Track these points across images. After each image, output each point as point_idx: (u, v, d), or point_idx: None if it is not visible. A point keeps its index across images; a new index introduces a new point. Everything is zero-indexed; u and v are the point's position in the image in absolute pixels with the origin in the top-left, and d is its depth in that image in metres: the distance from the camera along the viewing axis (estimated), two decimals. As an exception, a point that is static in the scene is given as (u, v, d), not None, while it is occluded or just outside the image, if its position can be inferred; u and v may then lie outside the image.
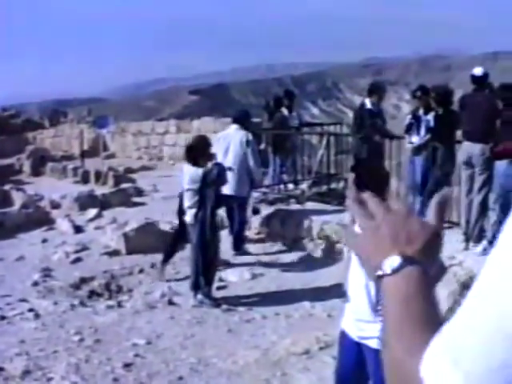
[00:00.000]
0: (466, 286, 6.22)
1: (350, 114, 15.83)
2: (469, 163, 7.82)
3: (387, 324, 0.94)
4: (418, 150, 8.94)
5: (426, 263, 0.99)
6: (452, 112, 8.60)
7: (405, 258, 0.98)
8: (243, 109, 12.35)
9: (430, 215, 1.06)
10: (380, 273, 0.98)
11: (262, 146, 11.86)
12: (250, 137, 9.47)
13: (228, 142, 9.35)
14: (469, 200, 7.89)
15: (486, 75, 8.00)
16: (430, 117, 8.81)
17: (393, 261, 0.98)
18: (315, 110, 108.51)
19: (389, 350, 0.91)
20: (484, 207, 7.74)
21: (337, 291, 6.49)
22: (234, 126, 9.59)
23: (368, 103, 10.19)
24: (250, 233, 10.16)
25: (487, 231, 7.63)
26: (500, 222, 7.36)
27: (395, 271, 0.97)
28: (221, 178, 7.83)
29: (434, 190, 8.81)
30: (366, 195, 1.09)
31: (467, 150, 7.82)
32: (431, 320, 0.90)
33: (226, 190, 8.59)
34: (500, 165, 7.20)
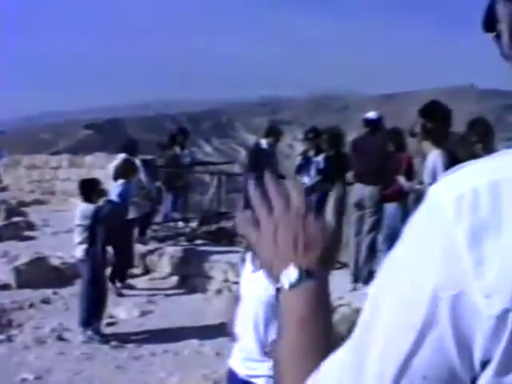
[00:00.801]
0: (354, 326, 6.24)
1: (243, 153, 15.96)
2: (359, 205, 7.93)
3: (282, 350, 0.95)
4: (308, 190, 9.04)
5: (324, 273, 1.00)
6: (343, 154, 8.76)
7: (303, 272, 0.98)
8: (130, 138, 12.49)
9: (328, 214, 1.08)
10: (279, 285, 0.99)
11: (158, 183, 11.76)
12: (139, 162, 9.80)
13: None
14: (358, 241, 8.01)
15: (379, 119, 8.18)
16: (321, 158, 8.94)
17: (290, 274, 0.98)
18: (208, 148, 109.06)
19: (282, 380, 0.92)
20: (373, 248, 7.88)
21: (226, 329, 6.45)
22: (122, 155, 9.83)
23: (264, 143, 10.36)
24: (138, 269, 10.18)
25: (376, 272, 7.72)
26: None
27: (292, 286, 0.97)
28: (112, 215, 7.90)
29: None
30: (268, 178, 1.09)
31: (358, 191, 7.95)
32: (324, 347, 0.92)
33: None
34: (389, 207, 7.34)
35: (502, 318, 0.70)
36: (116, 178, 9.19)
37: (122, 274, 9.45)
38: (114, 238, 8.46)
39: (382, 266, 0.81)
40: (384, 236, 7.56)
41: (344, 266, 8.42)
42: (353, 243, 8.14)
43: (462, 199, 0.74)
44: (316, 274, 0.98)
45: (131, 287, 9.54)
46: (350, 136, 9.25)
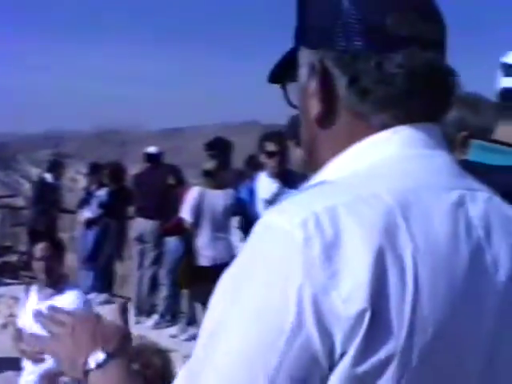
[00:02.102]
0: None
1: (27, 186, 15.42)
2: (140, 239, 8.02)
3: None
4: (90, 224, 8.99)
5: (125, 355, 1.20)
6: (124, 188, 8.83)
7: (108, 354, 1.17)
8: None
9: (116, 318, 1.28)
10: (87, 368, 1.15)
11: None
12: None
13: None
14: (140, 274, 8.08)
15: (160, 153, 8.37)
16: (103, 192, 8.94)
17: (98, 356, 1.16)
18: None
19: None
20: (155, 282, 7.98)
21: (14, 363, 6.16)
22: None
23: (48, 177, 10.36)
24: None
25: (158, 305, 7.84)
26: (171, 296, 7.63)
27: (101, 365, 1.15)
28: None
29: (106, 265, 8.89)
30: (52, 309, 1.27)
31: (139, 226, 8.04)
32: None
33: None
34: (170, 241, 7.49)
35: (358, 318, 0.80)
36: None
37: None
38: None
39: (222, 298, 0.87)
40: (166, 270, 7.69)
41: (127, 299, 8.43)
42: (135, 277, 8.20)
43: (307, 223, 0.83)
44: (118, 355, 1.19)
45: None
46: (132, 170, 9.33)
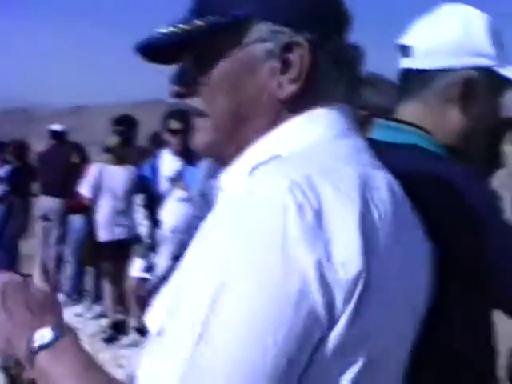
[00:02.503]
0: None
1: None
2: (45, 217, 7.91)
3: None
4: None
5: (72, 329, 1.01)
6: (28, 165, 8.68)
7: (57, 330, 0.97)
8: None
9: (38, 281, 1.10)
10: (31, 349, 0.96)
11: None
12: None
13: None
14: (45, 253, 7.96)
15: (64, 131, 8.27)
16: (6, 169, 8.75)
17: (43, 334, 0.97)
18: None
19: None
20: (60, 260, 7.89)
21: None
22: None
23: None
24: None
25: (63, 284, 7.76)
26: (76, 275, 7.57)
27: (48, 345, 0.96)
28: None
29: (10, 243, 8.72)
30: None
31: (43, 203, 7.93)
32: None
33: None
34: (74, 219, 7.42)
35: (356, 281, 0.83)
36: None
37: None
38: None
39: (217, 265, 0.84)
40: (71, 248, 7.62)
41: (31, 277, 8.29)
42: (40, 255, 8.07)
43: (293, 190, 0.84)
44: (65, 331, 0.99)
45: None
46: (39, 148, 9.15)
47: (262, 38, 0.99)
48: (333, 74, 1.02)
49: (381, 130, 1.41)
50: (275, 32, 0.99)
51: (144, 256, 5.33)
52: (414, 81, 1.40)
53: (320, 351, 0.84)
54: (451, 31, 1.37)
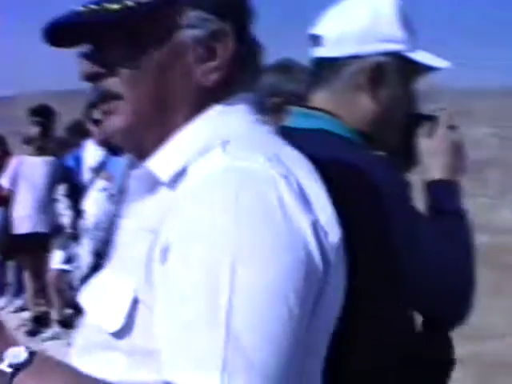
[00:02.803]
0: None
1: None
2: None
3: None
4: None
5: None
6: None
7: (28, 348, 0.89)
8: None
9: None
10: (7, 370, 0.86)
11: None
12: None
13: None
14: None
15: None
16: None
17: (15, 353, 0.87)
18: None
19: None
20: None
21: None
22: None
23: None
24: None
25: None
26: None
27: (22, 366, 0.86)
28: None
29: None
30: None
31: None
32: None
33: None
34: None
35: (341, 244, 0.93)
36: None
37: None
38: None
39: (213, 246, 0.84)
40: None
41: None
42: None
43: (274, 165, 0.90)
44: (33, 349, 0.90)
45: None
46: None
47: (191, 25, 1.00)
48: (248, 63, 1.05)
49: (292, 117, 1.44)
50: (204, 19, 1.00)
51: (64, 247, 5.28)
52: (325, 69, 1.42)
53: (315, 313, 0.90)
54: (359, 19, 1.39)
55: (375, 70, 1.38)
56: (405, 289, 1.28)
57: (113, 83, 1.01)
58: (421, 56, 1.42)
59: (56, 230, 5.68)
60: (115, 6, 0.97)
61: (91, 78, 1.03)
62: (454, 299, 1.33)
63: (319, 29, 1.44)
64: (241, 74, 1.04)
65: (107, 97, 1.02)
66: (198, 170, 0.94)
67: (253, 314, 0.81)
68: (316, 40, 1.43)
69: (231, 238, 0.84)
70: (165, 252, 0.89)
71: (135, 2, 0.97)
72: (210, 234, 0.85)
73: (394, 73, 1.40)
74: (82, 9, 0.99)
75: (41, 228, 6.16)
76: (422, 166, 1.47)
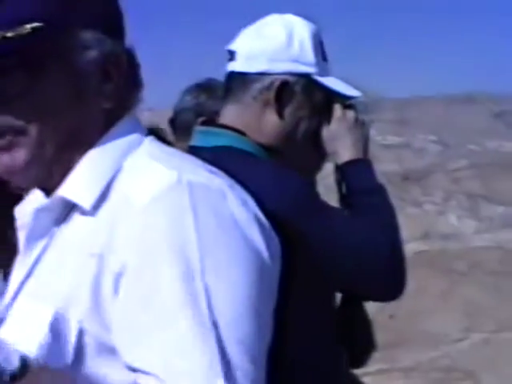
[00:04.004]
0: None
1: None
2: None
3: None
4: None
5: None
6: None
7: (21, 356, 0.83)
8: None
9: None
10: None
11: None
12: None
13: None
14: None
15: None
16: None
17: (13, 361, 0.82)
18: None
19: None
20: None
21: None
22: None
23: None
24: None
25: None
26: None
27: (18, 376, 0.81)
28: None
29: None
30: None
31: None
32: None
33: None
34: None
35: (278, 249, 0.99)
36: None
37: None
38: None
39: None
40: None
41: None
42: None
43: (214, 177, 0.95)
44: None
45: None
46: None
47: (86, 46, 0.96)
48: (137, 79, 1.05)
49: (199, 136, 1.47)
50: (99, 40, 0.97)
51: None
52: (236, 84, 1.46)
53: None
54: (273, 37, 1.44)
55: (281, 88, 1.42)
56: (329, 277, 1.33)
57: (11, 116, 0.93)
58: (331, 82, 1.47)
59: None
60: (9, 34, 0.89)
61: None
62: (378, 274, 1.34)
63: (234, 44, 1.49)
64: (130, 93, 1.03)
65: (5, 131, 0.94)
66: (137, 185, 0.92)
67: (235, 326, 0.85)
68: (231, 55, 1.47)
69: (197, 253, 0.85)
70: (119, 277, 0.87)
71: (31, 27, 0.90)
72: (175, 251, 0.85)
73: (300, 93, 1.44)
74: None
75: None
76: (330, 154, 1.50)
